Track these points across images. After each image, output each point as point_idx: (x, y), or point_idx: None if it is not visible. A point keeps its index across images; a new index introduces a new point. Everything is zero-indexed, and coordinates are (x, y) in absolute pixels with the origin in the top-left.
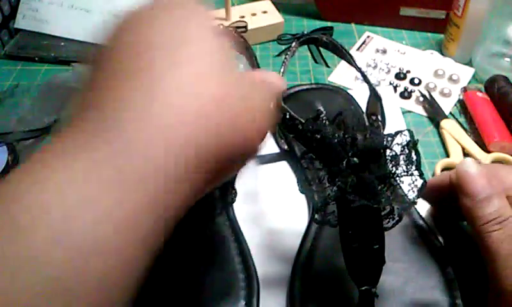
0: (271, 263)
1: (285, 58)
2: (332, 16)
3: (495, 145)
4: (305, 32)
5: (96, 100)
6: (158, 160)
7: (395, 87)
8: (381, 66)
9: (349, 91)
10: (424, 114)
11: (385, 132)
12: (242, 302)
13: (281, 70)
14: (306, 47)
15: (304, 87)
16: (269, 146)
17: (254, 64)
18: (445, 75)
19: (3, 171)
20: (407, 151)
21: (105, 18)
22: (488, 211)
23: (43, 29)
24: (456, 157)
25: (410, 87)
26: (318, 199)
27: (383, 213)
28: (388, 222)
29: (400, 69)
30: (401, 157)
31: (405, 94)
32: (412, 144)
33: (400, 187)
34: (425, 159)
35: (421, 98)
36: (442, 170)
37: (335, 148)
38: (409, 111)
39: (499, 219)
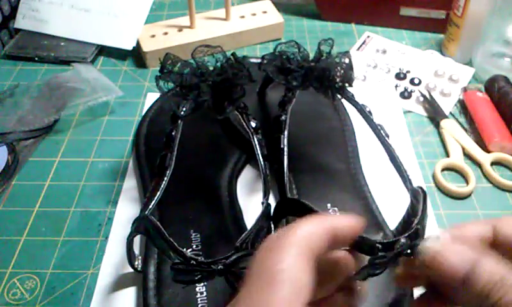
0: None
1: (285, 110)
2: (332, 16)
3: (494, 145)
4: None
5: None
6: None
7: (395, 87)
8: (381, 66)
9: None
10: (424, 114)
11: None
12: None
13: (284, 118)
14: (306, 46)
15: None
16: None
17: None
18: (445, 75)
19: (3, 170)
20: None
21: (104, 18)
22: (481, 282)
23: (43, 29)
24: (455, 156)
25: (410, 87)
26: None
27: None
28: None
29: (400, 69)
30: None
31: (405, 94)
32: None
33: None
34: (426, 159)
35: (421, 98)
36: (442, 170)
37: None
38: (409, 111)
39: (500, 283)
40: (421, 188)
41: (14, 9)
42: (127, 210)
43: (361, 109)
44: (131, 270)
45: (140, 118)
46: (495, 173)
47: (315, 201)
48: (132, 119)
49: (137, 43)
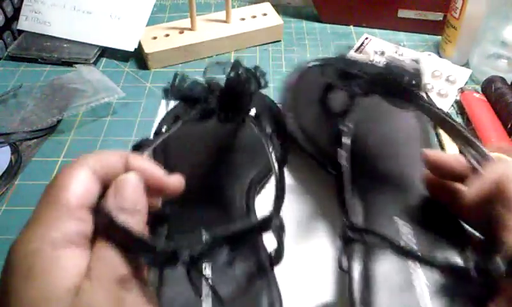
0: None
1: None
2: (331, 18)
3: (491, 146)
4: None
5: None
6: None
7: None
8: None
9: None
10: None
11: None
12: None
13: (345, 130)
14: (305, 47)
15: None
16: None
17: None
18: (442, 76)
19: (6, 170)
20: None
21: (106, 20)
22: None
23: (46, 31)
24: None
25: None
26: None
27: None
28: None
29: None
30: None
31: None
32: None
33: None
34: None
35: None
36: None
37: None
38: None
39: None
40: None
41: (17, 10)
42: None
43: (442, 117)
44: None
45: (142, 118)
46: None
47: (382, 217)
48: (134, 119)
49: (139, 44)
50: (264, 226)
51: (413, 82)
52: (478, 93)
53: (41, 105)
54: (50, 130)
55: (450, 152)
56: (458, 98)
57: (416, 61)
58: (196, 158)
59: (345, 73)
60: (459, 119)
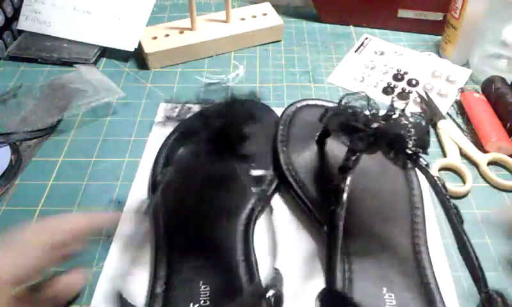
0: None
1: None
2: (331, 18)
3: (491, 145)
4: None
5: None
6: None
7: (392, 88)
8: (379, 67)
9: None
10: None
11: None
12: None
13: (344, 189)
14: (305, 47)
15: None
16: None
17: None
18: (442, 76)
19: (6, 170)
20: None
21: (106, 20)
22: None
23: (46, 31)
24: (453, 157)
25: (408, 88)
26: None
27: None
28: None
29: (398, 70)
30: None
31: (403, 95)
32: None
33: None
34: (423, 159)
35: (418, 99)
36: (439, 170)
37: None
38: None
39: None
40: (501, 295)
41: (17, 10)
42: (133, 209)
43: (434, 183)
44: (133, 270)
45: (142, 118)
46: (492, 173)
47: (368, 283)
48: (134, 119)
49: (139, 44)
50: (267, 290)
51: (418, 141)
52: (478, 93)
53: (41, 105)
54: (50, 130)
55: (448, 148)
56: (458, 98)
57: (425, 118)
58: (189, 201)
59: (346, 125)
60: (459, 120)
